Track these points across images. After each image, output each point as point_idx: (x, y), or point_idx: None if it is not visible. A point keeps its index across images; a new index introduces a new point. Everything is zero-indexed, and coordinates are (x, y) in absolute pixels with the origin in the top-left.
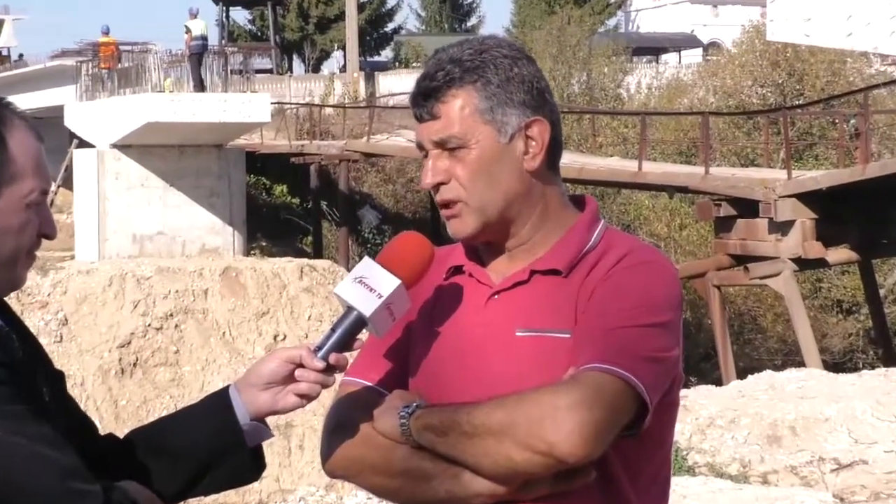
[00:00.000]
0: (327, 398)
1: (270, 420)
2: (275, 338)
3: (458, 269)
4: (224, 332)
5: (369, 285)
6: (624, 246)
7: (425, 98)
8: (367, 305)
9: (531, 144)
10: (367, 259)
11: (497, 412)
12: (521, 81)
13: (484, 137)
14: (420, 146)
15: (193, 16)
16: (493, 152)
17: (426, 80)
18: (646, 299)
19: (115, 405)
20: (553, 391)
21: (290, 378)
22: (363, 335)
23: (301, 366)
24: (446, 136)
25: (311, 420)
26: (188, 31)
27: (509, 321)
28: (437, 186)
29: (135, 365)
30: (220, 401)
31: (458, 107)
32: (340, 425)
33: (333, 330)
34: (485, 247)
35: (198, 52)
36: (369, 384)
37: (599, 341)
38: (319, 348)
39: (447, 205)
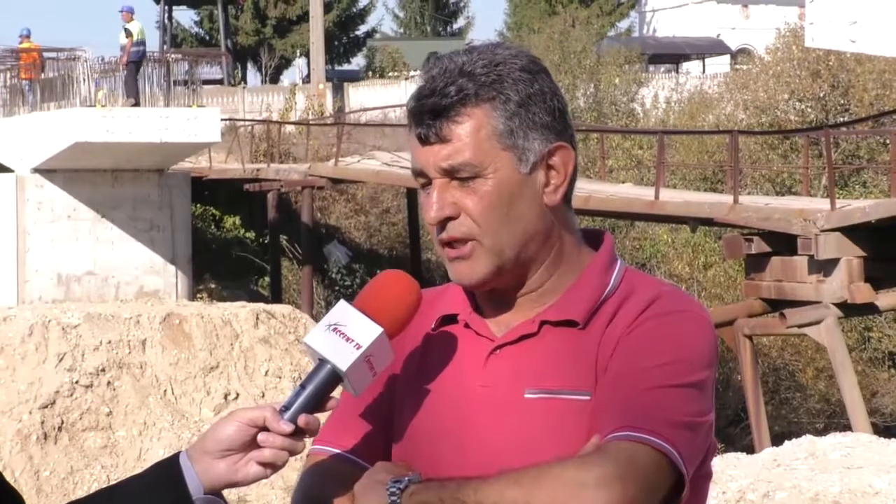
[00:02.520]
0: (291, 468)
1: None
2: (225, 397)
3: (450, 319)
4: (165, 391)
5: (346, 334)
6: (649, 290)
7: (433, 117)
8: (343, 358)
9: (553, 175)
10: (342, 303)
11: (512, 490)
12: (543, 100)
13: (502, 166)
14: (420, 173)
15: (129, 16)
16: (513, 184)
17: (435, 96)
18: (679, 355)
19: (36, 476)
20: (578, 465)
21: (251, 444)
22: (337, 393)
23: (265, 429)
24: (458, 164)
25: (268, 494)
26: (129, 34)
27: (516, 380)
28: (443, 222)
29: (60, 429)
30: (168, 471)
31: (473, 129)
32: None
33: (303, 387)
34: (484, 293)
35: (135, 60)
36: (345, 453)
37: (628, 404)
38: (286, 409)
39: (453, 244)
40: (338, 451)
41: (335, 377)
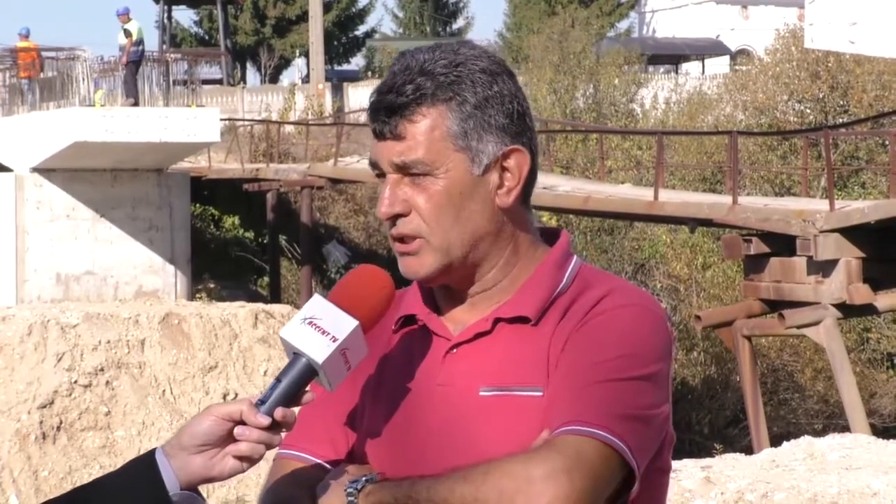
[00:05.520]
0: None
1: (219, 496)
2: (224, 396)
3: (410, 319)
4: (164, 391)
5: (321, 327)
6: (602, 286)
7: (389, 114)
8: (318, 351)
9: (507, 177)
10: (317, 297)
11: (461, 486)
12: (501, 102)
13: (454, 166)
14: (375, 166)
15: (127, 18)
16: (464, 185)
17: (392, 94)
18: (629, 348)
19: (35, 476)
20: (525, 460)
21: (228, 438)
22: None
23: (241, 423)
24: (410, 161)
25: None
26: (128, 34)
27: (471, 378)
28: (393, 218)
29: (58, 429)
30: (145, 467)
31: (428, 128)
32: None
33: (279, 380)
34: (441, 292)
35: (135, 60)
36: (309, 457)
37: (576, 399)
38: (262, 402)
39: (403, 239)
40: (303, 454)
41: (310, 370)
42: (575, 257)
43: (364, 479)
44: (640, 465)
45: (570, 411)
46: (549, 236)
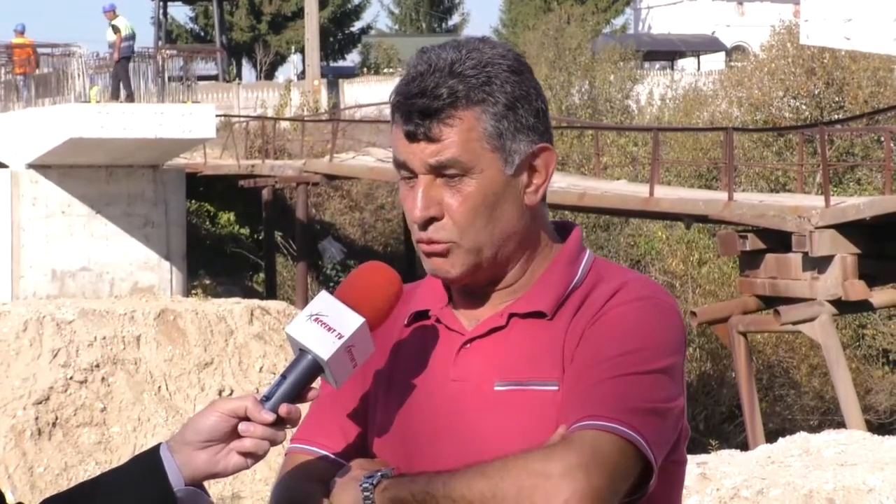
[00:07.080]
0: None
1: (213, 492)
2: (220, 393)
3: (422, 314)
4: (160, 387)
5: (327, 324)
6: (615, 279)
7: (423, 117)
8: (324, 348)
9: (535, 176)
10: (324, 294)
11: (479, 482)
12: (528, 101)
13: (489, 167)
14: (404, 166)
15: (113, 14)
16: (497, 185)
17: (426, 97)
18: (644, 341)
19: (30, 472)
20: (543, 455)
21: (232, 434)
22: (318, 383)
23: (246, 419)
24: (446, 161)
25: (263, 490)
26: (117, 30)
27: (486, 373)
28: (426, 222)
29: (54, 425)
30: (148, 462)
31: (464, 130)
32: (291, 503)
33: (284, 377)
34: (457, 288)
35: (127, 56)
36: (322, 451)
37: (592, 393)
38: (268, 398)
39: (431, 241)
40: (315, 449)
41: (316, 367)
42: (588, 251)
43: (380, 474)
44: (658, 459)
45: (585, 406)
46: (561, 230)
